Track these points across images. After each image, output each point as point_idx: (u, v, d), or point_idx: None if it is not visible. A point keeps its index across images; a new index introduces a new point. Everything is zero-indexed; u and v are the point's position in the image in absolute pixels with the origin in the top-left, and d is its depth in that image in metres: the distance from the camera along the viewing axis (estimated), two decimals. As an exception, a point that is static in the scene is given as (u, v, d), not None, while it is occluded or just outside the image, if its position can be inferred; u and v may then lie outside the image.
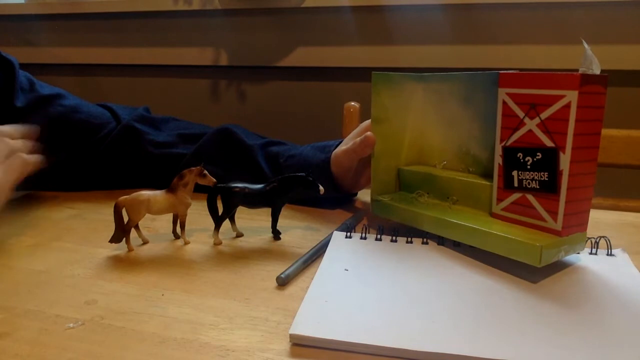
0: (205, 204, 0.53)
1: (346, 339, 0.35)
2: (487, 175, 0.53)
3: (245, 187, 0.52)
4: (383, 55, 1.21)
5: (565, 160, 0.43)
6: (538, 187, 0.46)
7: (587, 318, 0.38)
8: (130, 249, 0.51)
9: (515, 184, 0.48)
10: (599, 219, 0.62)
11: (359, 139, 0.58)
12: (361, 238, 0.53)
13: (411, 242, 0.52)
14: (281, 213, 0.55)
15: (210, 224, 0.54)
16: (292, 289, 0.44)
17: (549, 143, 0.44)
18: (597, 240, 0.50)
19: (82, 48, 1.45)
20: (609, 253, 0.50)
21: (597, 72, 0.43)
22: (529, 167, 0.46)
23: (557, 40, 1.09)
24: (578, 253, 0.50)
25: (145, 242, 0.54)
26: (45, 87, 0.73)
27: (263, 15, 1.27)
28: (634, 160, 0.84)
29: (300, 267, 0.47)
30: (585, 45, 0.43)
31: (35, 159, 0.56)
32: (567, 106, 0.43)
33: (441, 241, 0.52)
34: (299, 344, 0.36)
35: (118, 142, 0.72)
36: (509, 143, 0.48)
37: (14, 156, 0.53)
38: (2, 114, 0.68)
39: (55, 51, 1.47)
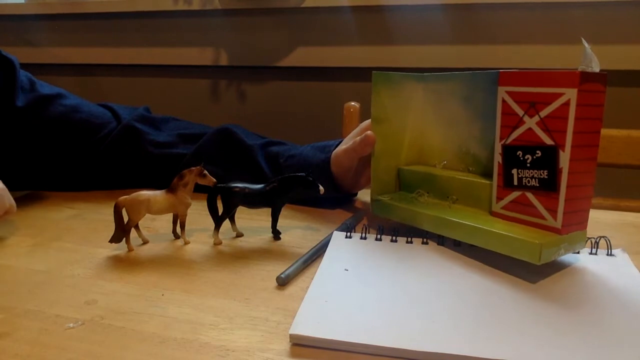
0: (205, 204, 0.53)
1: (346, 339, 0.35)
2: (487, 174, 0.52)
3: (245, 187, 0.52)
4: (383, 55, 1.21)
5: (564, 158, 0.43)
6: (538, 185, 0.46)
7: (587, 318, 0.38)
8: (130, 249, 0.51)
9: (515, 182, 0.48)
10: (599, 219, 0.62)
11: (359, 137, 0.58)
12: (361, 238, 0.53)
13: (411, 242, 0.52)
14: (281, 213, 0.55)
15: (210, 224, 0.54)
16: (292, 289, 0.44)
17: (548, 141, 0.44)
18: (597, 240, 0.50)
19: (82, 48, 1.46)
20: (609, 253, 0.50)
21: (597, 70, 0.43)
22: (528, 165, 0.46)
23: (557, 40, 1.09)
24: (578, 252, 0.50)
25: (145, 242, 0.54)
26: (45, 87, 0.73)
27: (263, 15, 1.27)
28: (634, 160, 0.84)
29: (300, 267, 0.47)
30: (585, 44, 0.43)
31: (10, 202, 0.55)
32: (567, 104, 0.42)
33: (441, 241, 0.52)
34: (299, 344, 0.36)
35: (118, 142, 0.72)
36: (508, 141, 0.48)
37: None
38: (2, 113, 0.68)
39: (55, 51, 1.47)
